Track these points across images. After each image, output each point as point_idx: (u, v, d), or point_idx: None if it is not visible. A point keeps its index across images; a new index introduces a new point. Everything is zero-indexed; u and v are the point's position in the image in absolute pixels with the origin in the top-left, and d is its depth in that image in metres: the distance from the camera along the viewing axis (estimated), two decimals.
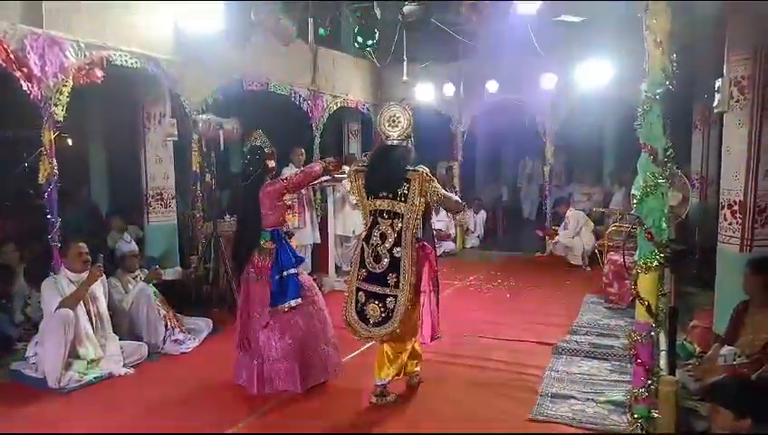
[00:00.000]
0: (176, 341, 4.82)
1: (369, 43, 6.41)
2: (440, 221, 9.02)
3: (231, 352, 4.12)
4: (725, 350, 3.48)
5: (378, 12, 6.20)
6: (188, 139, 6.19)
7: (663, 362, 3.24)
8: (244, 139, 5.29)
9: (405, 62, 8.01)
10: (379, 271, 3.56)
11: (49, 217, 4.44)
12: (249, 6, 5.98)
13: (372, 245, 3.58)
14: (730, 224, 4.35)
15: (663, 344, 3.40)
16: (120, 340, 4.47)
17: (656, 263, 2.66)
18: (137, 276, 5.04)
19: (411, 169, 3.52)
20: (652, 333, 2.73)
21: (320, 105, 8.02)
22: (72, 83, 4.55)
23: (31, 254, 5.60)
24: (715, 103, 4.46)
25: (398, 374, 3.74)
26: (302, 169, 4.22)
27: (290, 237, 4.08)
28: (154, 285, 5.03)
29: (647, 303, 2.69)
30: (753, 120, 4.16)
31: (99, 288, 4.41)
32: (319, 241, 7.29)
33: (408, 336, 3.71)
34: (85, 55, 4.69)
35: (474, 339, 4.98)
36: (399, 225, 3.52)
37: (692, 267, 6.20)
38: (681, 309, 3.69)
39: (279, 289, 3.84)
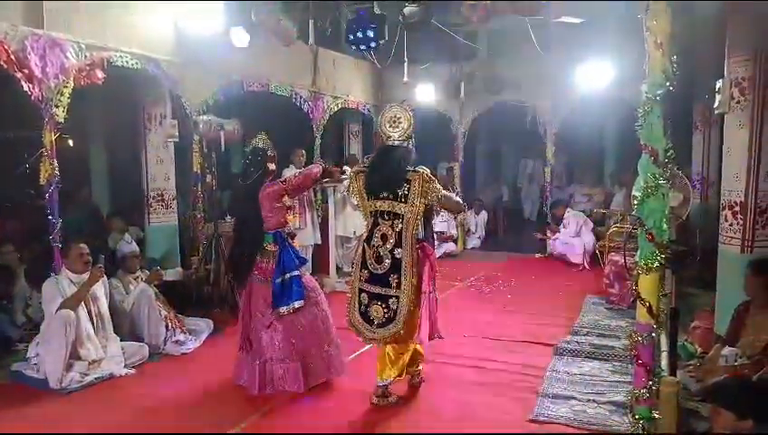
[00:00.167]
0: (177, 341, 4.82)
1: (372, 44, 6.40)
2: (441, 222, 9.02)
3: (232, 352, 4.12)
4: (727, 351, 3.48)
5: (378, 12, 6.20)
6: (189, 140, 6.19)
7: (664, 362, 3.24)
8: (245, 139, 5.31)
9: (406, 63, 8.01)
10: (380, 272, 3.56)
11: (50, 217, 4.45)
12: (249, 6, 5.98)
13: (374, 246, 3.59)
14: (731, 225, 4.35)
15: (664, 345, 3.40)
16: (121, 341, 4.47)
17: (657, 264, 2.66)
18: (138, 277, 5.04)
19: (412, 169, 3.53)
20: (653, 334, 2.73)
21: (320, 106, 8.03)
22: (72, 84, 4.56)
23: (31, 254, 5.60)
24: (716, 104, 4.46)
25: (399, 375, 3.74)
26: (302, 171, 4.21)
27: (292, 238, 4.07)
28: (155, 285, 5.03)
29: (648, 303, 2.69)
30: (753, 121, 4.16)
31: (100, 289, 4.42)
32: (320, 242, 7.29)
33: (409, 337, 3.71)
34: (86, 56, 4.70)
35: (474, 339, 4.98)
36: (400, 225, 3.52)
37: (693, 268, 6.19)
38: (682, 310, 3.68)
39: (281, 291, 3.84)
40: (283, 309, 3.84)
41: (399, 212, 3.52)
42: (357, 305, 3.67)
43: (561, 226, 8.37)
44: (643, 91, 2.65)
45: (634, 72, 3.31)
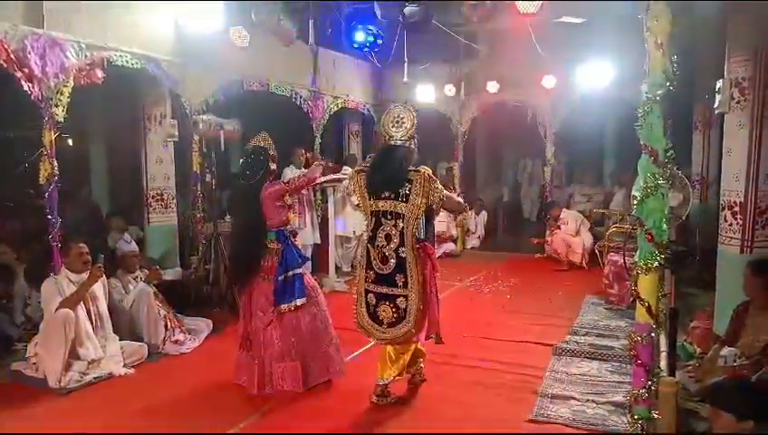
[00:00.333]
0: (176, 341, 4.82)
1: (370, 43, 6.42)
2: (441, 222, 9.00)
3: (231, 352, 4.12)
4: (726, 351, 3.48)
5: (378, 13, 6.20)
6: (189, 139, 6.19)
7: (663, 363, 3.24)
8: (245, 139, 5.29)
9: (405, 63, 8.01)
10: (386, 272, 3.57)
11: (49, 217, 4.44)
12: (249, 6, 5.99)
13: (378, 246, 3.58)
14: (730, 225, 4.35)
15: (663, 345, 3.40)
16: (120, 340, 4.47)
17: (656, 264, 2.66)
18: (137, 277, 5.04)
19: (413, 169, 3.53)
20: (652, 334, 2.73)
21: (320, 106, 8.03)
22: (72, 84, 4.56)
23: (31, 254, 5.60)
24: (716, 104, 4.46)
25: (399, 375, 3.74)
26: (305, 173, 4.20)
27: (294, 236, 4.07)
28: (154, 285, 5.03)
29: (647, 304, 2.69)
30: (753, 122, 4.16)
31: (99, 288, 4.42)
32: (319, 241, 7.30)
33: (415, 336, 3.72)
34: (86, 56, 4.69)
35: (474, 339, 4.98)
36: (402, 225, 3.53)
37: (692, 269, 6.19)
38: (681, 310, 3.69)
39: (283, 289, 3.85)
40: (284, 306, 3.85)
41: (401, 212, 3.53)
42: (364, 307, 3.68)
43: (560, 224, 8.34)
44: (643, 91, 2.65)
45: (634, 72, 3.31)
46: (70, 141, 8.97)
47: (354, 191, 3.75)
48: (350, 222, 7.61)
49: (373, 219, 3.63)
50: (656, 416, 2.73)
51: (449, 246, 9.33)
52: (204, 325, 5.21)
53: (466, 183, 10.63)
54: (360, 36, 6.94)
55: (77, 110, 4.86)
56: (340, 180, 7.03)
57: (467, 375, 4.18)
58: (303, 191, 6.47)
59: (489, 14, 5.84)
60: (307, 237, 7.06)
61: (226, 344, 4.58)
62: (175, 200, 6.68)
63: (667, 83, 2.60)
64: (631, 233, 4.67)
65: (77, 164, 8.41)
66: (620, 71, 7.35)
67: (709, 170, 7.65)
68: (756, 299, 3.57)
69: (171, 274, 6.03)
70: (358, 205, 3.83)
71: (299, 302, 3.88)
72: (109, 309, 4.50)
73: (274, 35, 6.29)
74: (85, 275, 4.26)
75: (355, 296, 3.75)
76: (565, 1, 6.39)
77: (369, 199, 3.63)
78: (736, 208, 4.29)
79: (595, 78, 7.74)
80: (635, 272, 2.75)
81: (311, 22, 6.81)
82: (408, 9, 5.86)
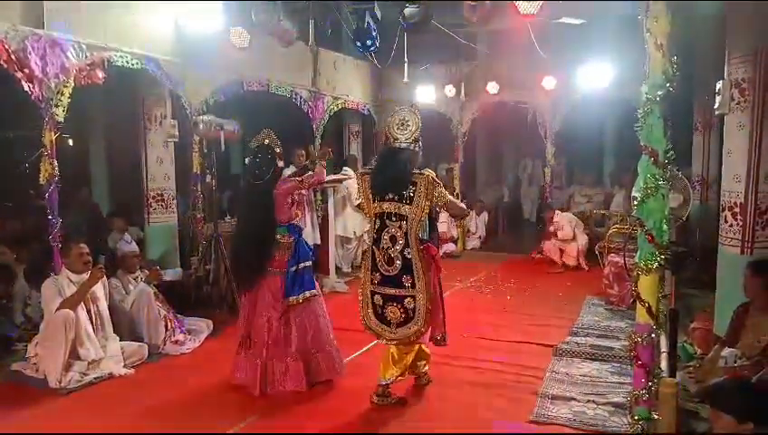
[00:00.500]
0: (176, 341, 4.82)
1: (369, 43, 6.41)
2: (441, 223, 9.00)
3: (231, 352, 4.12)
4: (726, 352, 3.48)
5: (378, 13, 6.20)
6: (189, 139, 6.19)
7: (663, 363, 3.23)
8: (245, 139, 5.29)
9: (406, 64, 8.02)
10: (392, 273, 3.58)
11: (50, 217, 4.44)
12: (249, 7, 5.98)
13: (383, 248, 3.59)
14: (731, 226, 4.34)
15: (663, 346, 3.40)
16: (120, 340, 4.47)
17: (656, 265, 2.65)
18: (137, 277, 5.04)
19: (417, 171, 3.55)
20: (653, 335, 2.72)
21: (320, 106, 8.02)
22: (72, 84, 4.56)
23: (31, 254, 5.60)
24: (716, 105, 4.46)
25: (401, 375, 3.75)
26: (312, 174, 4.22)
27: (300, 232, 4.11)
28: (154, 285, 5.03)
29: (647, 304, 2.69)
30: (753, 122, 4.16)
31: (99, 289, 4.42)
32: (319, 242, 7.29)
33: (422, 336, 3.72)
34: (86, 56, 4.69)
35: (474, 340, 4.97)
36: (406, 227, 3.54)
37: (692, 269, 6.19)
38: (682, 311, 3.69)
39: (293, 280, 3.88)
40: (293, 298, 3.87)
41: (404, 214, 3.54)
42: (371, 308, 3.69)
43: (553, 229, 8.29)
44: (643, 91, 2.65)
45: (634, 73, 3.31)
46: (70, 141, 8.98)
47: (359, 193, 3.77)
48: (351, 223, 7.61)
49: (377, 221, 3.63)
50: (656, 417, 2.73)
51: (449, 247, 9.33)
52: (204, 326, 5.21)
53: (467, 184, 10.64)
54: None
55: (77, 110, 4.86)
56: (340, 181, 7.04)
57: (467, 376, 4.18)
58: (303, 191, 6.47)
59: (489, 15, 5.83)
60: (307, 238, 7.05)
61: (226, 345, 4.58)
62: (175, 201, 6.68)
63: (667, 84, 2.60)
64: (632, 234, 4.67)
65: (77, 164, 8.42)
66: (620, 71, 7.35)
67: (709, 171, 7.65)
68: (756, 300, 3.57)
69: (171, 274, 6.03)
70: (358, 205, 3.84)
71: (308, 293, 3.92)
72: (109, 309, 4.50)
73: (274, 36, 6.29)
74: (85, 276, 4.26)
75: (360, 298, 3.76)
76: (565, 1, 6.39)
77: (374, 201, 3.64)
78: (736, 209, 4.28)
79: (595, 79, 7.74)
80: (635, 273, 2.75)
81: (311, 22, 6.80)
82: (408, 10, 5.86)
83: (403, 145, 3.62)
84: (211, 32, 5.52)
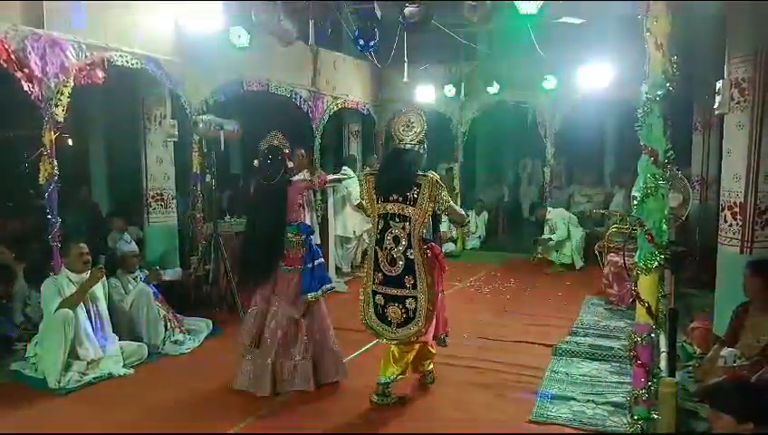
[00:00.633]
0: (175, 341, 4.82)
1: (372, 44, 6.41)
2: (442, 223, 9.00)
3: (231, 352, 4.12)
4: (726, 352, 3.48)
5: (378, 13, 6.20)
6: (189, 139, 6.19)
7: (663, 363, 3.24)
8: (247, 139, 5.28)
9: (406, 64, 8.01)
10: (395, 274, 3.59)
11: (49, 217, 4.44)
12: (249, 6, 5.98)
13: (386, 248, 3.60)
14: (730, 226, 4.34)
15: (663, 346, 3.40)
16: (119, 340, 4.47)
17: (656, 264, 2.66)
18: (137, 277, 5.04)
19: (422, 173, 3.56)
20: (652, 335, 2.73)
21: (320, 106, 8.02)
22: (72, 84, 4.55)
23: (31, 254, 5.60)
24: (716, 105, 4.46)
25: (402, 374, 3.75)
26: (319, 174, 4.31)
27: None
28: (154, 285, 5.03)
29: (647, 304, 2.69)
30: (753, 122, 4.16)
31: (99, 289, 4.42)
32: (319, 242, 7.28)
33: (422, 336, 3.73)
34: (86, 56, 4.69)
35: (474, 340, 4.98)
36: (409, 228, 3.55)
37: (692, 269, 6.19)
38: (681, 311, 3.69)
39: (311, 277, 3.92)
40: (311, 295, 3.89)
41: (408, 215, 3.55)
42: (372, 308, 3.69)
43: (547, 229, 8.27)
44: (643, 91, 2.65)
45: (634, 73, 3.31)
46: (70, 141, 8.97)
47: (362, 194, 3.77)
48: (350, 222, 7.60)
49: (381, 222, 3.64)
50: (655, 416, 2.73)
51: (449, 246, 9.33)
52: (203, 325, 5.22)
53: (466, 183, 10.63)
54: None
55: (77, 110, 4.86)
56: (339, 181, 7.04)
57: (467, 375, 4.19)
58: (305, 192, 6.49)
59: (489, 15, 5.83)
60: None
61: (226, 345, 4.58)
62: (175, 200, 6.67)
63: (667, 84, 2.60)
64: (631, 233, 4.67)
65: (77, 164, 8.42)
66: (620, 71, 7.35)
67: (709, 171, 7.64)
68: (756, 300, 3.57)
69: (171, 274, 6.03)
70: (359, 205, 3.85)
71: (327, 287, 3.99)
72: (108, 309, 4.50)
73: (274, 36, 6.29)
74: (85, 276, 4.26)
75: (361, 298, 3.76)
76: (565, 1, 6.39)
77: (378, 202, 3.65)
78: (736, 209, 4.28)
79: (595, 78, 7.73)
80: (635, 272, 2.75)
81: (311, 22, 6.79)
82: (408, 10, 5.86)
83: (408, 146, 3.64)
84: (211, 32, 5.52)
